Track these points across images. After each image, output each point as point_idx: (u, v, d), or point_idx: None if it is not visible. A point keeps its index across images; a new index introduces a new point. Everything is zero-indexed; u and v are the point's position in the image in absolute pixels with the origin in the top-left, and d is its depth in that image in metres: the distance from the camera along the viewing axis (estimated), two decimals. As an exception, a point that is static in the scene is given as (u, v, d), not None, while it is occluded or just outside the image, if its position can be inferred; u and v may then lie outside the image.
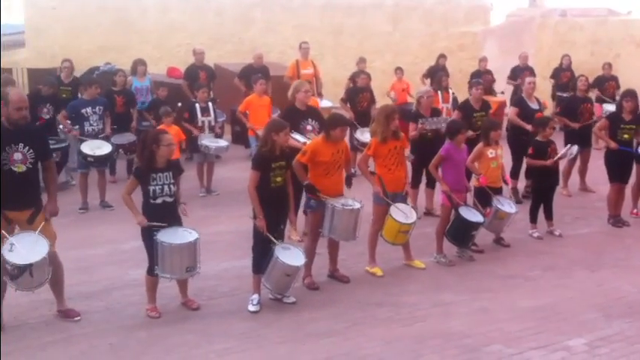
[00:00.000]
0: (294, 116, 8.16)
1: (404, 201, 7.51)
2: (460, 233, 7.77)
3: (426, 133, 9.07)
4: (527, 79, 10.61)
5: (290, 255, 6.45)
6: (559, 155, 8.73)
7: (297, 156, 6.95)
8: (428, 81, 15.22)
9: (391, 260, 7.71)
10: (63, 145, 10.39)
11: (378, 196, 7.34)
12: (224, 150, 10.92)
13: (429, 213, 9.39)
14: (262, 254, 6.47)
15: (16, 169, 5.83)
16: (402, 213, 7.30)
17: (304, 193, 7.20)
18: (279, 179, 6.51)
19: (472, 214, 7.76)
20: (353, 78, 13.65)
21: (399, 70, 15.00)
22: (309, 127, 8.21)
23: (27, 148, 5.88)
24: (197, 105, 10.80)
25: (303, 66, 13.71)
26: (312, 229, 7.13)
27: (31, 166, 5.92)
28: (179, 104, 11.34)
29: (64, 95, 11.58)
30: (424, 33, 19.37)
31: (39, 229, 5.87)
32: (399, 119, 7.40)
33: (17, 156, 5.84)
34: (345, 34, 19.44)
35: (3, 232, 5.76)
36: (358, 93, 11.86)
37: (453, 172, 7.78)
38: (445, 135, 8.07)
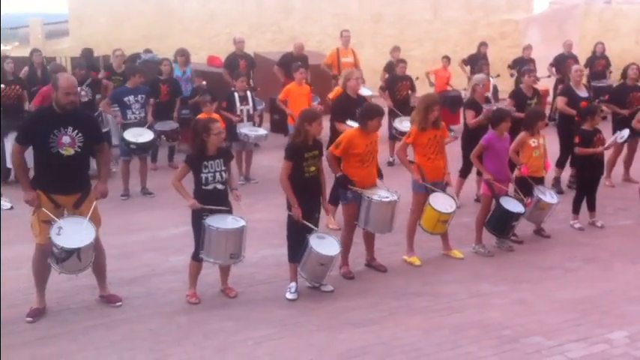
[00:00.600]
0: (349, 104, 8.19)
1: (444, 190, 7.46)
2: (500, 224, 7.69)
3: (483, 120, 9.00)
4: (575, 67, 10.41)
5: (325, 244, 6.46)
6: (609, 142, 8.57)
7: (330, 148, 6.95)
8: (467, 68, 15.12)
9: (429, 250, 7.68)
10: (104, 130, 10.48)
11: (418, 185, 7.31)
12: (263, 138, 10.97)
13: (479, 200, 9.36)
14: (297, 243, 6.49)
15: (64, 152, 5.89)
16: (441, 202, 7.26)
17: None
18: (312, 169, 6.52)
19: (513, 205, 7.67)
20: (389, 68, 13.60)
21: (445, 59, 14.91)
22: None
23: (76, 132, 5.93)
24: (236, 94, 10.85)
25: (343, 54, 13.73)
26: (347, 220, 7.12)
27: (79, 150, 5.96)
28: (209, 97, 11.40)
29: (115, 85, 11.74)
30: (465, 21, 19.20)
31: (89, 214, 5.95)
32: (439, 109, 7.35)
33: (65, 139, 5.90)
34: (384, 23, 19.36)
35: (49, 214, 5.85)
36: (397, 81, 11.82)
37: (495, 161, 7.70)
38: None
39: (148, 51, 15.05)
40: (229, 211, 6.43)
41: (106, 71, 12.22)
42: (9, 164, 9.68)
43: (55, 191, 5.95)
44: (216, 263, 6.38)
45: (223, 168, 6.37)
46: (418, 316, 6.14)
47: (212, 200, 6.29)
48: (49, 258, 5.89)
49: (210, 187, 6.30)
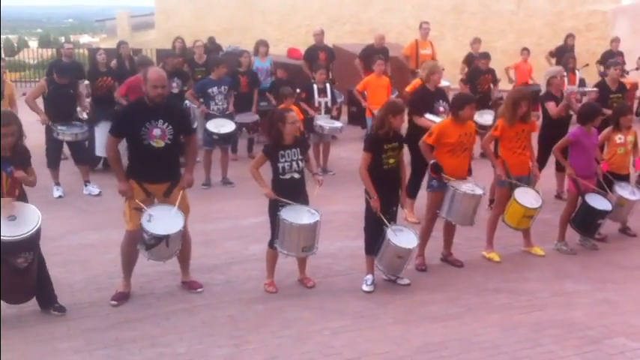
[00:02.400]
0: (427, 97, 8.15)
1: (529, 185, 7.30)
2: (586, 221, 7.47)
3: (567, 111, 8.72)
4: None
5: (402, 237, 6.41)
6: None
7: (424, 137, 6.95)
8: (554, 60, 14.71)
9: (509, 246, 7.54)
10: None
11: (501, 179, 7.19)
12: (338, 131, 10.98)
13: (558, 197, 9.14)
14: (374, 235, 6.48)
15: (155, 144, 6.05)
16: (527, 197, 7.12)
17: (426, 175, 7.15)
18: (392, 161, 6.49)
19: (599, 202, 7.43)
20: (468, 60, 13.35)
21: (525, 51, 14.56)
22: (441, 109, 8.18)
23: (166, 124, 6.08)
24: (315, 85, 10.90)
25: (421, 46, 13.64)
26: (430, 209, 7.07)
27: (169, 142, 6.11)
28: (298, 90, 11.46)
29: (199, 76, 11.96)
30: (549, 12, 18.67)
31: (177, 202, 6.12)
32: (528, 104, 7.18)
33: (156, 132, 6.05)
34: (466, 14, 19.05)
35: (140, 203, 6.03)
36: (479, 75, 11.60)
37: (582, 157, 7.49)
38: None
39: (212, 40, 14.97)
40: (305, 202, 6.48)
41: (187, 64, 12.45)
42: (98, 152, 10.03)
43: (146, 180, 6.14)
44: (289, 255, 6.45)
45: (300, 157, 6.41)
46: (498, 313, 6.05)
47: (289, 190, 6.35)
48: (139, 244, 6.08)
49: (287, 176, 6.36)
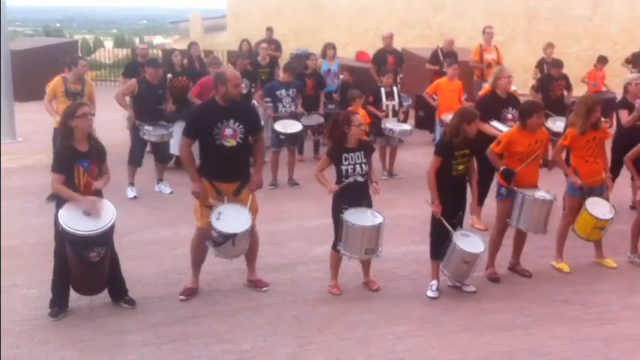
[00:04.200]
0: (495, 104, 8.01)
1: (601, 195, 7.12)
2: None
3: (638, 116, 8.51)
4: None
5: (469, 242, 6.35)
6: None
7: (492, 145, 6.86)
8: (630, 67, 14.31)
9: (579, 257, 7.36)
10: None
11: (573, 188, 7.04)
12: (407, 134, 10.95)
13: (633, 207, 8.88)
14: (440, 240, 6.43)
15: (226, 143, 6.17)
16: (598, 207, 6.94)
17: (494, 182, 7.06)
18: (461, 167, 6.43)
19: (673, 213, 7.20)
20: (541, 65, 13.12)
21: (600, 62, 14.21)
22: (509, 116, 8.04)
23: (237, 123, 6.19)
24: (382, 89, 10.90)
25: (486, 51, 13.48)
26: (499, 218, 6.96)
27: (241, 141, 6.23)
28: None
29: (262, 77, 12.13)
30: (626, 17, 18.14)
31: (249, 203, 6.22)
32: (601, 110, 7.00)
33: (228, 131, 6.17)
34: (539, 19, 18.69)
35: (211, 200, 6.17)
36: (552, 81, 11.37)
37: (655, 167, 7.27)
38: None
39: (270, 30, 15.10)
40: (369, 205, 6.47)
41: (251, 65, 12.64)
42: (172, 150, 10.24)
43: (217, 179, 6.26)
44: (352, 257, 6.44)
45: (364, 160, 6.40)
46: (566, 325, 5.92)
47: (352, 193, 6.35)
48: (208, 241, 6.20)
49: (350, 179, 6.36)
